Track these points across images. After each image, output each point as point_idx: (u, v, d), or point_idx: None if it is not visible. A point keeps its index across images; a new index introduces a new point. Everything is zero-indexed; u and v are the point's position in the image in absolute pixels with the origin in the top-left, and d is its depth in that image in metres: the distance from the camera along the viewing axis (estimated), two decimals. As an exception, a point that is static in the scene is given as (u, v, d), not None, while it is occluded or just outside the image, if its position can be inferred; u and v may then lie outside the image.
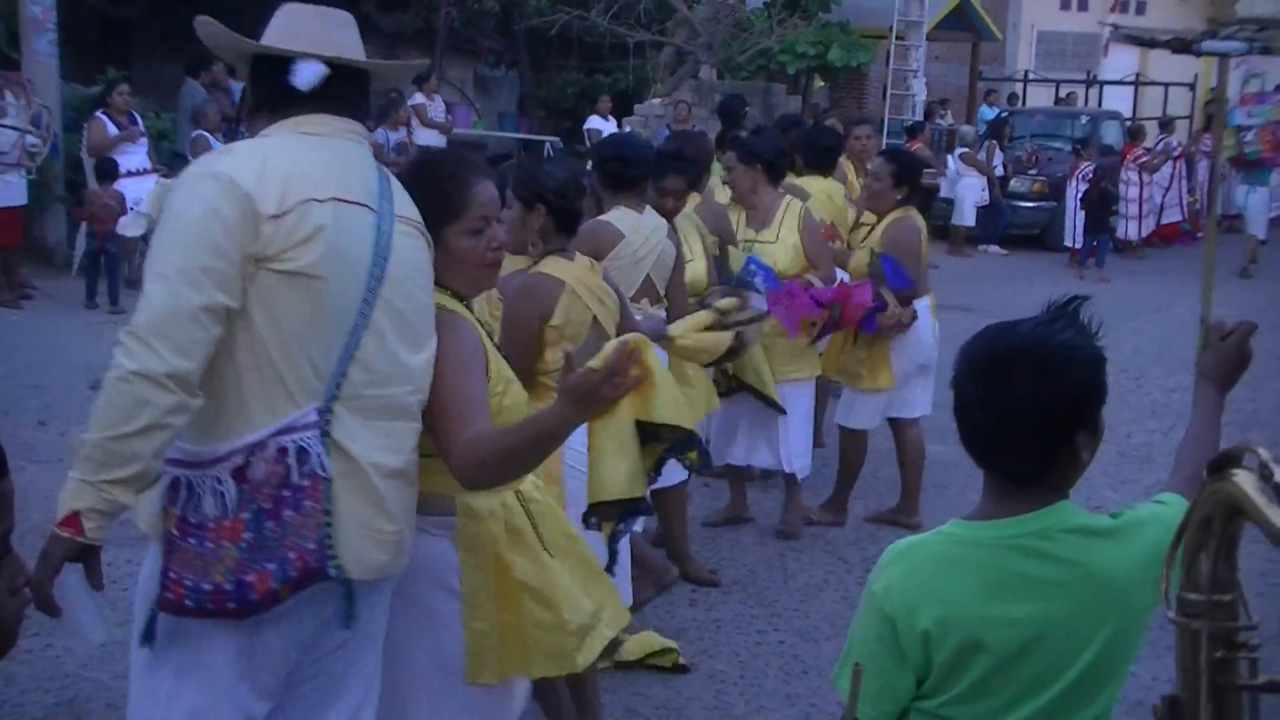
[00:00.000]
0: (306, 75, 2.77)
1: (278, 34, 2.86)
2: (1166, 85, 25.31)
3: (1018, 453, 2.14)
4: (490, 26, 21.82)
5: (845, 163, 8.76)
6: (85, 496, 2.59)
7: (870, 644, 2.21)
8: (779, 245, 6.48)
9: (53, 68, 13.34)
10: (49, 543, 2.62)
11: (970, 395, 2.17)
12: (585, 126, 17.88)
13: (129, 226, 9.46)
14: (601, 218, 5.29)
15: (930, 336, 6.89)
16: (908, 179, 6.69)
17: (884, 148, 7.43)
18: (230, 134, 14.33)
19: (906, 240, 6.63)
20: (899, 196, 6.65)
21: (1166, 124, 21.38)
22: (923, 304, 6.77)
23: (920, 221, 6.85)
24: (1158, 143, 20.38)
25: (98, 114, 12.62)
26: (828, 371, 6.78)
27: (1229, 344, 2.57)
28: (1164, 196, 19.89)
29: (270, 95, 2.84)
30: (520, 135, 20.87)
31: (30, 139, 11.63)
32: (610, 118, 17.49)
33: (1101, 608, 2.13)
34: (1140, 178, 18.92)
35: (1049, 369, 2.11)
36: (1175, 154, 20.24)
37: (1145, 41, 15.06)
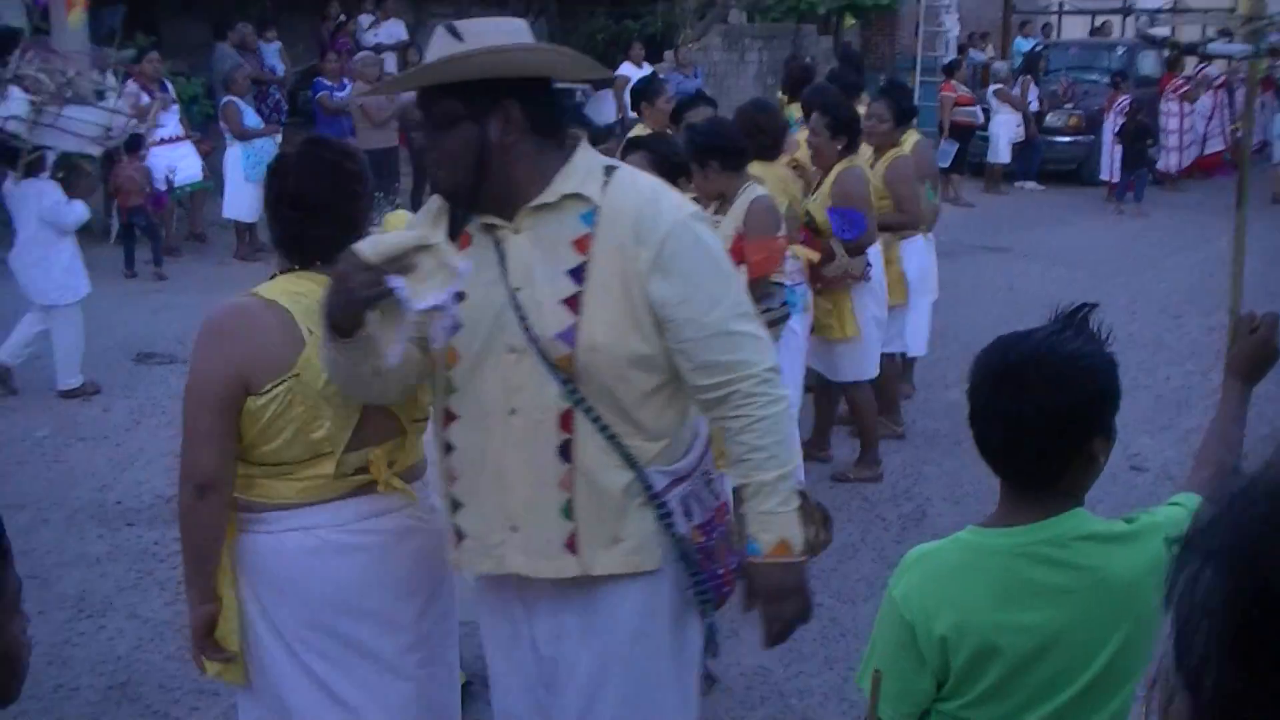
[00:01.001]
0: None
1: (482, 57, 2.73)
2: (1205, 11, 24.91)
3: (1032, 461, 2.17)
4: (518, -26, 21.67)
5: None
6: (798, 521, 2.81)
7: (890, 648, 2.26)
8: None
9: (83, 36, 13.38)
10: (772, 575, 2.78)
11: (984, 406, 2.19)
12: (616, 74, 17.78)
13: None
14: (761, 195, 5.56)
15: (882, 287, 7.04)
16: (846, 129, 6.70)
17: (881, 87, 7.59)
18: (261, 96, 14.38)
19: (857, 191, 6.65)
20: (839, 147, 6.68)
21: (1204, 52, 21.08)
22: (874, 251, 6.86)
23: (866, 170, 6.91)
24: (1196, 70, 20.13)
25: (129, 82, 12.65)
26: None
27: (1256, 338, 2.58)
28: (1206, 126, 19.66)
29: (546, 120, 2.76)
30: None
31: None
32: (645, 64, 17.38)
33: (1115, 612, 2.16)
34: (1180, 108, 18.70)
35: (1061, 380, 2.14)
36: (1216, 83, 19.99)
37: (1158, 42, 14.94)
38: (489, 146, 2.69)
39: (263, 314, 2.93)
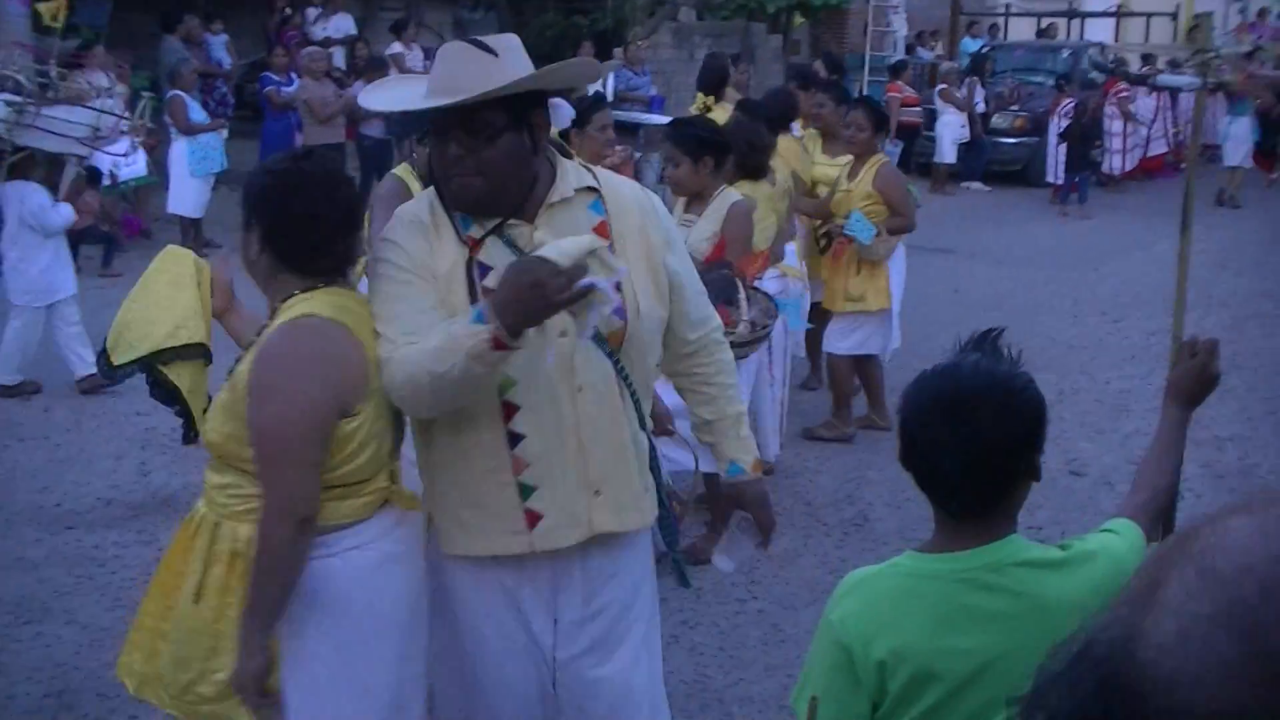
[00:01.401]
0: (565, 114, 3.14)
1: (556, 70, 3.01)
2: (1148, 15, 25.21)
3: (985, 488, 2.20)
4: (468, -33, 21.61)
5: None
6: None
7: (827, 671, 2.27)
8: None
9: (23, 26, 13.24)
10: (757, 487, 3.35)
11: (936, 440, 2.19)
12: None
13: None
14: (739, 200, 5.78)
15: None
16: (771, 127, 6.95)
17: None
18: (207, 89, 14.26)
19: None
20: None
21: (1148, 56, 21.33)
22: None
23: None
24: (1140, 71, 20.36)
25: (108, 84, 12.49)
26: None
27: (1195, 363, 2.60)
28: (1149, 128, 19.89)
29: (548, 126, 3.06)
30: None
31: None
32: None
33: (1051, 637, 2.16)
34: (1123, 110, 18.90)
35: (1009, 406, 2.18)
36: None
37: (1108, 70, 15.14)
38: (530, 152, 2.96)
39: (336, 333, 2.89)
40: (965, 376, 2.21)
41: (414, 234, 2.98)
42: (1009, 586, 2.20)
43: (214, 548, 2.95)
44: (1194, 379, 2.61)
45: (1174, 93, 20.15)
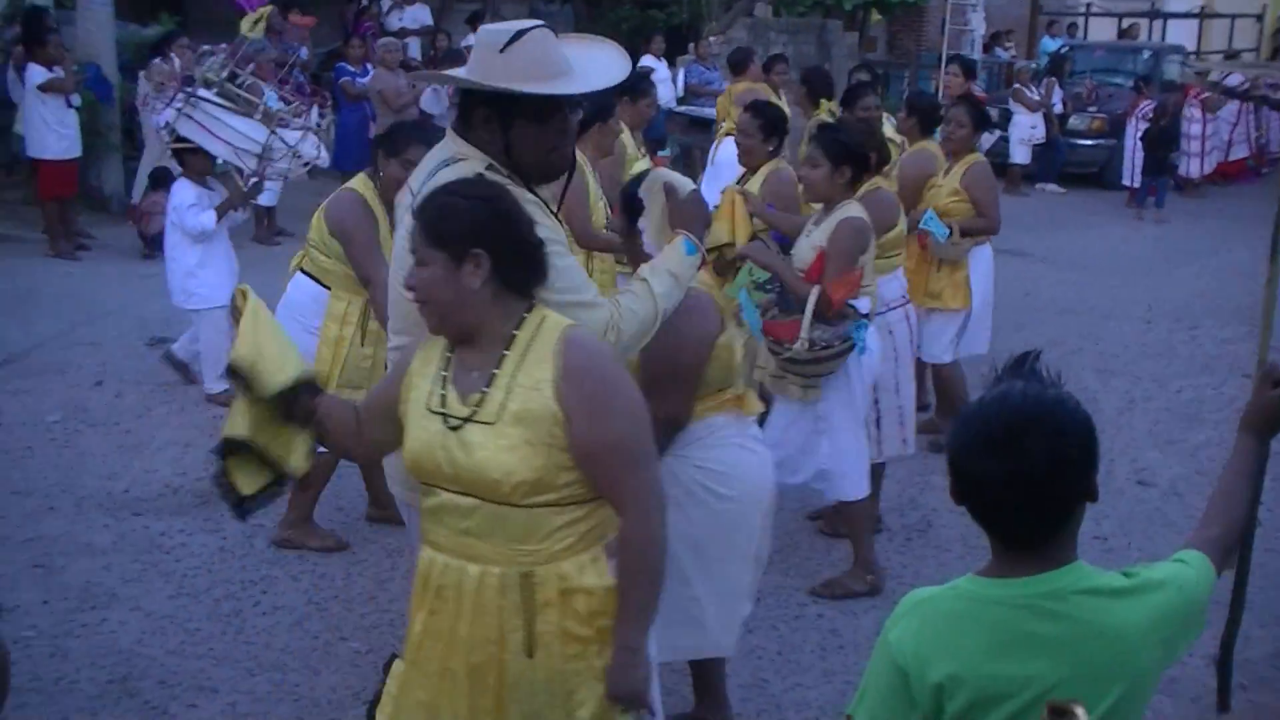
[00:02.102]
0: None
1: None
2: (1232, 17, 24.76)
3: (1044, 518, 2.17)
4: (544, -41, 21.66)
5: None
6: None
7: (883, 690, 2.25)
8: None
9: (107, 14, 13.43)
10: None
11: (990, 472, 2.16)
12: (638, 65, 17.73)
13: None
14: (853, 216, 5.44)
15: None
16: (776, 129, 6.71)
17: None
18: (285, 81, 14.35)
19: (783, 191, 6.56)
20: (770, 149, 6.67)
21: (1232, 57, 20.96)
22: None
23: (792, 171, 6.78)
24: (1222, 77, 20.00)
25: (156, 62, 12.63)
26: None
27: (1276, 394, 2.52)
28: (1231, 133, 19.55)
29: None
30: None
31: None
32: (662, 59, 17.31)
33: (1112, 666, 2.15)
34: (1203, 115, 18.58)
35: (1063, 429, 2.15)
36: (1239, 90, 19.86)
37: (1228, 90, 14.71)
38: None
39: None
40: (1014, 406, 2.17)
41: (543, 211, 3.26)
42: (1071, 614, 2.16)
43: (534, 598, 2.87)
44: (1273, 410, 2.53)
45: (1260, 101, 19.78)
